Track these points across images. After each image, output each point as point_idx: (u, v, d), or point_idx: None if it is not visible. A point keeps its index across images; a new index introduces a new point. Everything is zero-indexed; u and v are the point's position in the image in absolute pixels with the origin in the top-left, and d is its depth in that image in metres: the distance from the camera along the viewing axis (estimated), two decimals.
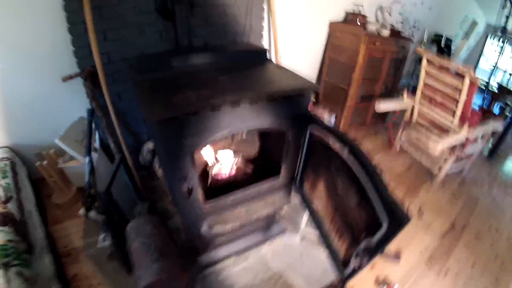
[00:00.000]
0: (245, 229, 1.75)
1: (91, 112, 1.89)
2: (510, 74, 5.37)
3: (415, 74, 4.34)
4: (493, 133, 2.90)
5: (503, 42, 5.13)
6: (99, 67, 1.63)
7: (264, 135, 1.96)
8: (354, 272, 1.20)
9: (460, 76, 2.30)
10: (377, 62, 2.99)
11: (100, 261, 1.74)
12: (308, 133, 1.47)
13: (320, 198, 1.52)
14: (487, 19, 4.96)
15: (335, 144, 1.21)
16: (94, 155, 1.96)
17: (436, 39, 4.27)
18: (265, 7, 2.27)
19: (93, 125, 1.99)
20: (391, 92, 3.44)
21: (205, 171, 1.81)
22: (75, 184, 2.22)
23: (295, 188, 1.74)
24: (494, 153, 3.57)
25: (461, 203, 2.75)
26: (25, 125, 2.06)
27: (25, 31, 1.72)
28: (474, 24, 4.70)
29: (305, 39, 2.95)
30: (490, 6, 4.61)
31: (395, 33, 3.06)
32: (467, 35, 4.74)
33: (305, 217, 2.07)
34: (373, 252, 1.06)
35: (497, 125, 2.73)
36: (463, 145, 2.55)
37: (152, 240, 1.45)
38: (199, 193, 1.40)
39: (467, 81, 2.22)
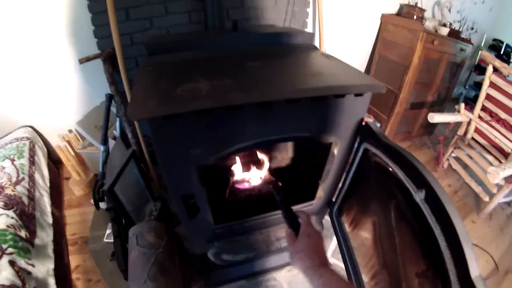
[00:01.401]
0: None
1: (109, 98, 1.68)
2: None
3: (469, 83, 3.77)
4: None
5: None
6: (118, 48, 1.39)
7: (299, 143, 1.60)
8: None
9: None
10: (433, 65, 2.51)
11: (102, 257, 1.57)
12: (361, 150, 1.07)
13: (362, 242, 1.15)
14: None
15: (405, 181, 0.81)
16: (112, 143, 1.74)
17: (495, 45, 3.64)
18: None
19: (115, 112, 1.80)
20: (443, 101, 2.94)
21: (223, 176, 1.52)
22: (93, 171, 2.05)
23: (330, 217, 1.38)
24: None
25: (508, 241, 2.29)
26: (48, 105, 1.92)
27: (46, 8, 1.54)
28: None
29: (353, 31, 2.53)
30: None
31: (454, 33, 2.55)
32: None
33: (333, 243, 1.72)
34: None
35: None
36: None
37: (154, 251, 1.21)
38: (208, 215, 1.10)
39: None
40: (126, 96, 1.54)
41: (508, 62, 3.71)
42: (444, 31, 2.40)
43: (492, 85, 2.12)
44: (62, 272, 1.45)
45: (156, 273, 1.15)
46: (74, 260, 1.61)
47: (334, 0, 2.21)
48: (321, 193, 1.32)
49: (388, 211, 0.96)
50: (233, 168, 1.50)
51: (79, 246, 1.68)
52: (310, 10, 1.95)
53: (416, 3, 2.50)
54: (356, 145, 1.12)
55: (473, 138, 2.42)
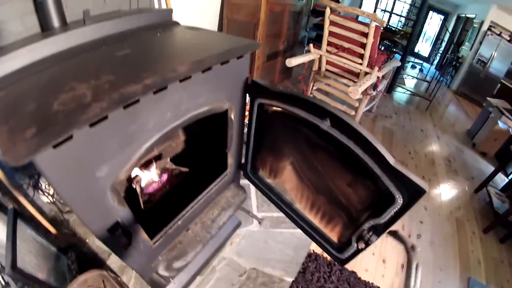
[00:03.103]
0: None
1: None
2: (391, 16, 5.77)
3: (309, 26, 4.27)
4: None
5: None
6: None
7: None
8: (357, 253, 0.99)
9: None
10: (278, 17, 2.73)
11: None
12: (256, 106, 1.12)
13: (288, 183, 1.23)
14: None
15: (308, 117, 0.90)
16: None
17: None
18: None
19: None
20: (293, 46, 3.27)
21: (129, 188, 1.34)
22: None
23: (247, 176, 1.41)
24: (392, 87, 3.83)
25: (380, 137, 2.86)
26: None
27: None
28: None
29: (198, 1, 2.49)
30: None
31: None
32: None
33: (253, 200, 1.83)
34: (382, 229, 0.86)
35: (397, 62, 2.84)
36: (374, 85, 2.56)
37: None
38: (141, 235, 0.96)
39: (373, 25, 2.15)
40: None
41: (338, 1, 4.35)
42: None
43: (332, 23, 2.42)
44: None
45: None
46: None
47: None
48: (231, 160, 1.33)
49: (301, 148, 1.07)
50: (134, 174, 1.34)
51: None
52: None
53: None
54: (248, 103, 1.17)
55: (327, 70, 2.78)
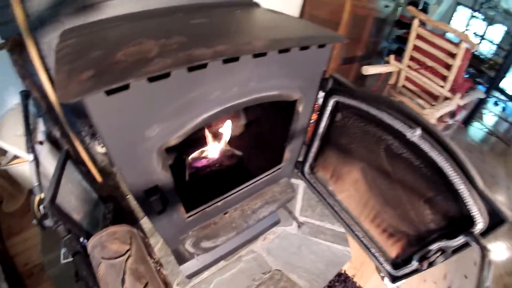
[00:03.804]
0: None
1: (25, 95, 1.32)
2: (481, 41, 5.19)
3: (391, 37, 3.97)
4: None
5: (474, 10, 4.83)
6: (26, 32, 1.05)
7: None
8: (414, 272, 0.94)
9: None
10: (360, 21, 2.53)
11: (65, 280, 1.27)
12: (331, 104, 1.01)
13: (351, 190, 1.11)
14: None
15: (395, 124, 0.82)
16: (41, 149, 1.42)
17: (413, 1, 3.88)
18: None
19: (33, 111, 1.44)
20: (371, 55, 3.04)
21: (177, 156, 1.32)
22: (26, 187, 1.66)
23: (302, 174, 1.31)
24: (470, 120, 3.40)
25: None
26: None
27: None
28: None
29: None
30: None
31: None
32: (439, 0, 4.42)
33: (298, 201, 1.68)
34: (451, 252, 0.81)
35: (481, 94, 2.52)
36: (453, 113, 2.26)
37: (122, 259, 1.02)
38: (177, 205, 0.92)
39: (463, 46, 1.86)
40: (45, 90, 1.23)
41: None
42: None
43: (418, 36, 2.18)
44: None
45: (133, 282, 0.98)
46: None
47: None
48: (288, 155, 1.22)
49: (377, 155, 0.99)
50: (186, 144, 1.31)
51: (37, 276, 1.36)
52: None
53: None
54: (322, 99, 1.05)
55: (404, 86, 2.51)
